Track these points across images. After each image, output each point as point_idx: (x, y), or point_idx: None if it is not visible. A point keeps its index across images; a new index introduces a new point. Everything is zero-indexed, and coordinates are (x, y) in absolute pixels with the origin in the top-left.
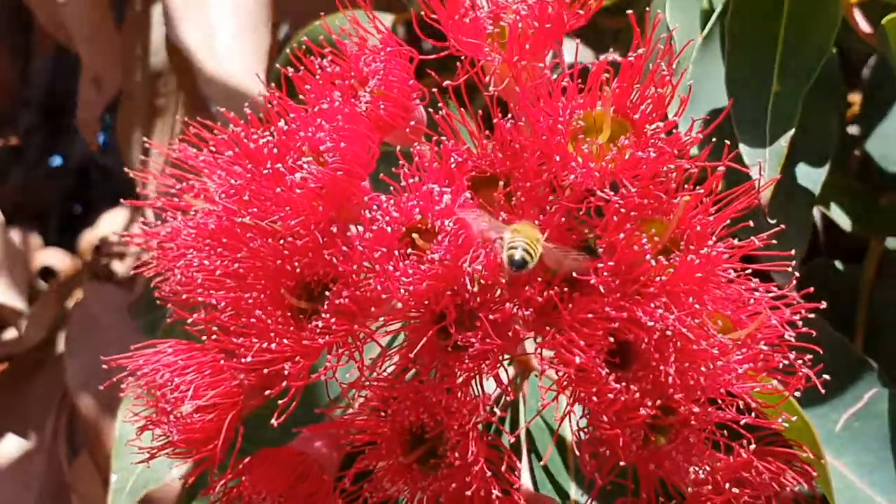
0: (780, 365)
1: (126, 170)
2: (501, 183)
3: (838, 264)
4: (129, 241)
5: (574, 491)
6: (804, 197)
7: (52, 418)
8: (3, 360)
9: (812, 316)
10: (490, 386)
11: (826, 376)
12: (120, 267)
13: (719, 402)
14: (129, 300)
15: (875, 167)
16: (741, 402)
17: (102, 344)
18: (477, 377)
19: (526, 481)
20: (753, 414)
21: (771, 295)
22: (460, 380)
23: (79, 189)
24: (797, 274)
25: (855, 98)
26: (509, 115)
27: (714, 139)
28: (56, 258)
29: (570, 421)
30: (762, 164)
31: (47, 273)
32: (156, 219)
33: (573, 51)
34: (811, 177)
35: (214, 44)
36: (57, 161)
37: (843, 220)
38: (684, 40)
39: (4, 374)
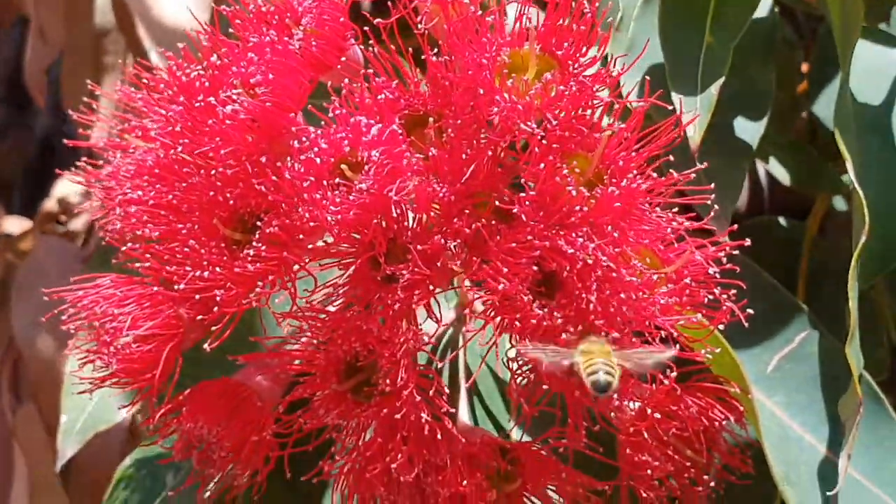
0: (706, 300)
1: (69, 111)
2: (431, 119)
3: (782, 220)
4: (74, 181)
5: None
6: (741, 148)
7: None
8: None
9: (747, 260)
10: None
11: (751, 311)
12: (78, 224)
13: (645, 334)
14: (83, 253)
15: (821, 129)
16: (667, 336)
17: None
18: (411, 309)
19: (466, 419)
20: (678, 346)
21: (689, 226)
22: (392, 310)
23: (43, 160)
24: (716, 207)
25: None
26: (436, 51)
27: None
28: (16, 226)
29: (497, 352)
30: (692, 107)
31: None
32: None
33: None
34: (748, 129)
35: None
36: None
37: (783, 175)
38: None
39: None
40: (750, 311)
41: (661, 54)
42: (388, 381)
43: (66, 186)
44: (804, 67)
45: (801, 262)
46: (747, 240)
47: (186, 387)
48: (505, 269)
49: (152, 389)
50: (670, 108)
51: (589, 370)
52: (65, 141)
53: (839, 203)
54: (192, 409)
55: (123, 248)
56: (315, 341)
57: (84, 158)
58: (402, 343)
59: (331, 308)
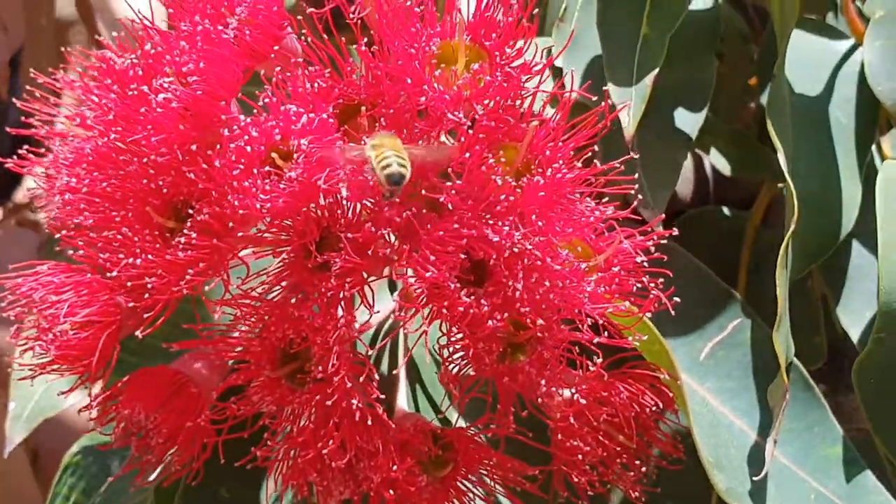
0: (635, 288)
1: (14, 100)
2: (363, 108)
3: (725, 210)
4: (14, 168)
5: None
6: (679, 139)
7: None
8: None
9: (678, 248)
10: (375, 319)
11: (677, 299)
12: (41, 215)
13: (576, 322)
14: (39, 241)
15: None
16: (596, 323)
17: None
18: (344, 297)
19: (405, 407)
20: (607, 333)
21: (613, 215)
22: (325, 298)
23: (15, 150)
24: (639, 197)
25: None
26: (367, 41)
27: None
28: None
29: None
30: (627, 99)
31: None
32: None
33: None
34: (688, 121)
35: None
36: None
37: (723, 164)
38: None
39: None
40: (677, 299)
41: (597, 46)
42: (320, 367)
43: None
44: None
45: (743, 251)
46: (675, 229)
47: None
48: (433, 258)
49: (91, 377)
50: (610, 101)
51: (382, 164)
52: (7, 129)
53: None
54: (129, 396)
55: (58, 235)
56: (250, 329)
57: (26, 147)
58: (334, 330)
59: (266, 297)
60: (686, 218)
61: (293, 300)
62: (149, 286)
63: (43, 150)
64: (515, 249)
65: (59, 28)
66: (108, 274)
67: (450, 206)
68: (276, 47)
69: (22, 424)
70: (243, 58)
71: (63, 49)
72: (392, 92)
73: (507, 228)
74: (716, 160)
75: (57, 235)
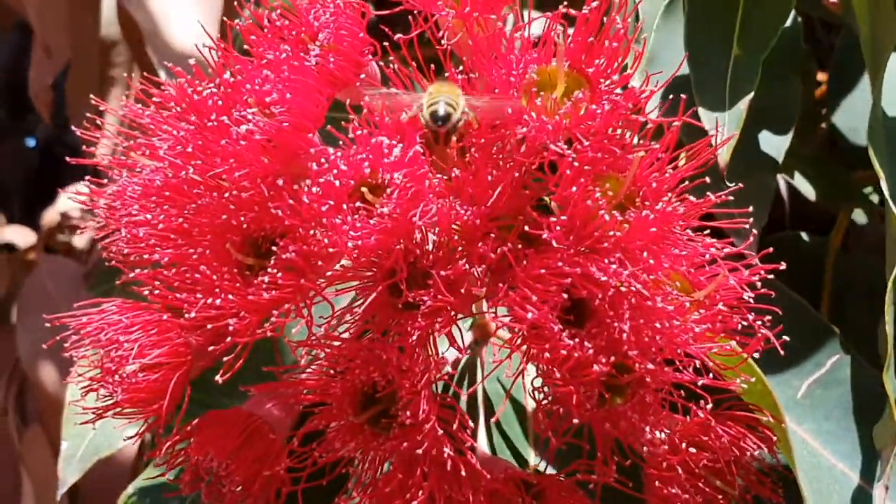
0: (739, 326)
1: (73, 128)
2: (454, 138)
3: (804, 236)
4: (76, 199)
5: (533, 458)
6: (767, 163)
7: (2, 389)
8: None
9: (773, 279)
10: (451, 353)
11: (786, 338)
12: (80, 241)
13: (676, 362)
14: (85, 272)
15: (841, 140)
16: (699, 364)
17: (54, 314)
18: (431, 337)
19: (484, 447)
20: (711, 375)
21: (726, 251)
22: (413, 339)
23: (44, 167)
24: (755, 231)
25: (824, 77)
26: (461, 69)
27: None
28: (18, 235)
29: (524, 381)
30: (719, 125)
31: (10, 250)
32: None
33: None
34: (774, 143)
35: (166, 11)
36: (30, 143)
37: (808, 189)
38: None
39: None
40: (785, 337)
41: (677, 65)
42: (408, 412)
43: (67, 201)
44: (820, 76)
45: (824, 279)
46: (782, 263)
47: (195, 414)
48: (533, 297)
49: (159, 420)
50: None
51: (430, 102)
52: (68, 159)
53: (858, 216)
54: (201, 441)
55: (131, 275)
56: (331, 370)
57: (88, 178)
58: (422, 373)
59: (347, 335)
60: (763, 244)
61: (378, 340)
62: (230, 328)
63: (99, 179)
64: (622, 288)
65: (102, 48)
66: (186, 315)
67: (554, 243)
68: (360, 75)
69: (76, 465)
70: (326, 86)
71: (108, 70)
72: (485, 121)
73: (614, 266)
74: (800, 184)
75: (108, 264)
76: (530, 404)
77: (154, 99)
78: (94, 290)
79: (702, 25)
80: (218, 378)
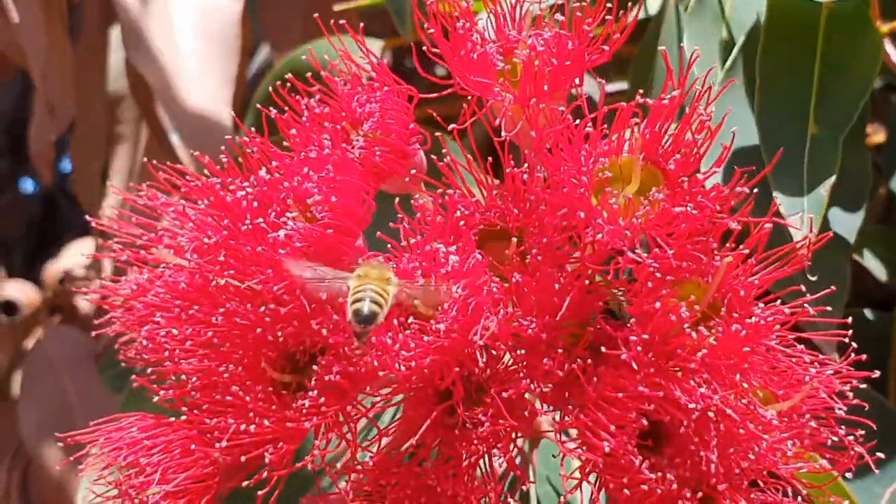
0: (829, 442)
1: (88, 218)
2: (515, 239)
3: (868, 313)
4: (87, 293)
5: None
6: (840, 246)
7: (3, 473)
8: None
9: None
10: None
11: (881, 454)
12: (85, 303)
13: (760, 483)
14: (95, 348)
15: None
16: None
17: (60, 392)
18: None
19: None
20: (801, 499)
21: (812, 360)
22: (466, 463)
23: (45, 218)
24: (848, 335)
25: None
26: (523, 164)
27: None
28: (19, 291)
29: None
30: (803, 215)
31: (10, 307)
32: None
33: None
34: (846, 223)
35: (178, 69)
36: (28, 187)
37: (879, 269)
38: (703, 72)
39: None
40: (880, 454)
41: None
42: None
43: (71, 258)
44: (877, 138)
45: (890, 359)
46: (876, 371)
47: None
48: (609, 424)
49: None
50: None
51: (354, 297)
52: (92, 254)
53: None
54: None
55: (157, 397)
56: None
57: (106, 277)
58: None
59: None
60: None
61: (430, 467)
62: (267, 459)
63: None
64: (710, 413)
65: (109, 103)
66: (218, 444)
67: (634, 365)
68: (411, 170)
69: None
70: (371, 179)
71: (115, 127)
72: (548, 221)
73: (702, 389)
74: (869, 263)
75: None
76: None
77: (177, 186)
78: (105, 374)
79: (773, 104)
80: None
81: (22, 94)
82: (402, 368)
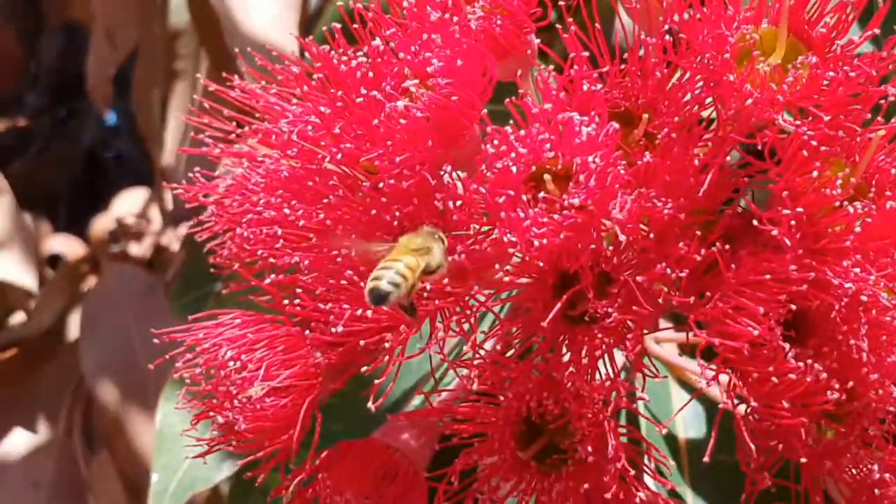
0: None
1: (179, 115)
2: (646, 116)
3: None
4: (183, 195)
5: (691, 497)
6: None
7: (65, 410)
8: (10, 347)
9: None
10: None
11: None
12: (137, 249)
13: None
14: (157, 284)
15: None
16: None
17: (122, 328)
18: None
19: None
20: None
21: None
22: (591, 358)
23: (89, 174)
24: None
25: None
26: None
27: None
28: (65, 245)
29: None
30: None
31: (56, 261)
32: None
33: None
34: None
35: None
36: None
37: None
38: None
39: (11, 362)
40: None
41: None
42: (588, 448)
43: (123, 206)
44: None
45: None
46: None
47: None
48: (758, 307)
49: (285, 452)
50: None
51: (373, 275)
52: (180, 150)
53: None
54: (333, 477)
55: (266, 281)
56: (494, 396)
57: (198, 169)
58: (602, 399)
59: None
60: None
61: (548, 359)
62: (387, 345)
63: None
64: (863, 297)
65: (169, 38)
66: (333, 329)
67: (786, 242)
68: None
69: (168, 501)
70: (489, 54)
71: (173, 63)
72: (682, 95)
73: (856, 270)
74: None
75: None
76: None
77: (272, 76)
78: (175, 302)
79: None
80: (371, 406)
81: (66, 51)
82: (536, 243)
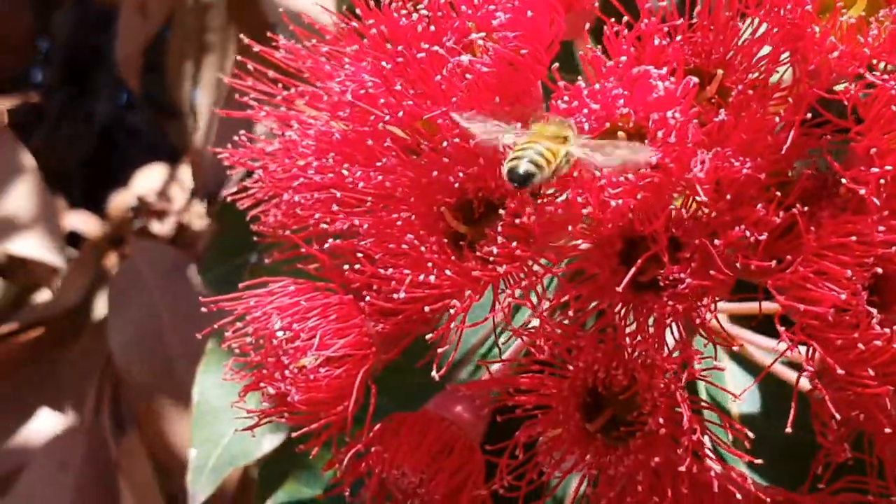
0: None
1: (222, 76)
2: (720, 72)
3: None
4: (229, 160)
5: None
6: None
7: (93, 390)
8: (36, 326)
9: None
10: None
11: None
12: (160, 227)
13: None
14: (183, 258)
15: None
16: None
17: (150, 306)
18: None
19: None
20: None
21: None
22: (660, 327)
23: (103, 150)
24: None
25: None
26: None
27: None
28: (83, 222)
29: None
30: None
31: (75, 238)
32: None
33: None
34: None
35: None
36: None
37: None
38: None
39: (37, 341)
40: None
41: None
42: (660, 419)
43: (144, 183)
44: None
45: None
46: None
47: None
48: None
49: (338, 424)
50: None
51: (512, 156)
52: (220, 111)
53: None
54: (389, 451)
55: (317, 249)
56: (559, 367)
57: (243, 132)
58: (672, 370)
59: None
60: None
61: (615, 328)
62: (452, 311)
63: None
64: None
65: (201, 10)
66: (395, 295)
67: (875, 201)
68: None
69: (207, 476)
70: (558, 5)
71: (204, 35)
72: (752, 50)
73: None
74: None
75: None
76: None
77: (321, 35)
78: (207, 274)
79: None
80: (435, 374)
81: (79, 26)
82: (613, 204)
